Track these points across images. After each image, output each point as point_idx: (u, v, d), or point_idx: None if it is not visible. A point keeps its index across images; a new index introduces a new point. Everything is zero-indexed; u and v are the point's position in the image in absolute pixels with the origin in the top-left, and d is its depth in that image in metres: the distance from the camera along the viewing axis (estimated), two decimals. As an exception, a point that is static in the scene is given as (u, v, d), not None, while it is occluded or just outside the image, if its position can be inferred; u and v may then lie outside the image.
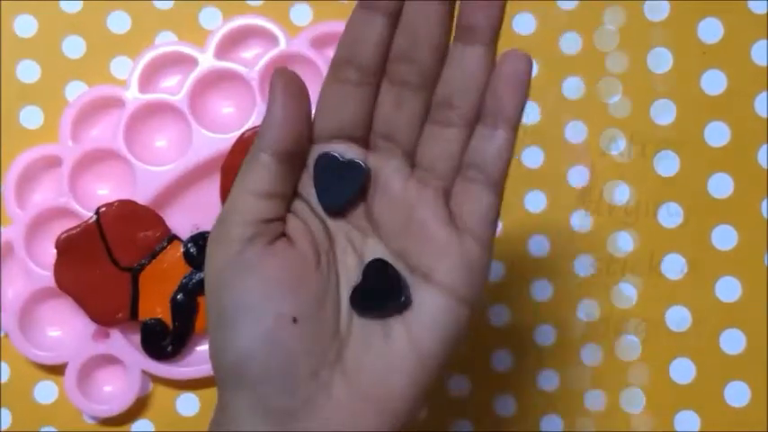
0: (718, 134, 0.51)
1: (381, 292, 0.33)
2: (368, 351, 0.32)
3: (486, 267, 0.33)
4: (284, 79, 0.32)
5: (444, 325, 0.32)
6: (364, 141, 0.34)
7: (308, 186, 0.34)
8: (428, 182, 0.33)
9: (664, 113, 0.52)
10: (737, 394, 0.51)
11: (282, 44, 0.49)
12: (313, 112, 0.34)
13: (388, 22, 0.32)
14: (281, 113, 0.32)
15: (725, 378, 0.51)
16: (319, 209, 0.34)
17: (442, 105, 0.33)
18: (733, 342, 0.51)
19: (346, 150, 0.34)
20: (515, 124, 0.32)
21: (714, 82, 0.51)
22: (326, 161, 0.34)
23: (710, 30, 0.51)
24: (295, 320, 0.32)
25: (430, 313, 0.32)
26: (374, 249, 0.34)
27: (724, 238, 0.52)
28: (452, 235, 0.33)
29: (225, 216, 0.33)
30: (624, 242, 0.52)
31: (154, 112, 0.50)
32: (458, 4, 0.32)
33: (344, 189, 0.34)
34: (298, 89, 0.32)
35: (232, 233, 0.32)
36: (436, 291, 0.32)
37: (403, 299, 0.33)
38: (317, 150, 0.34)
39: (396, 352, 0.32)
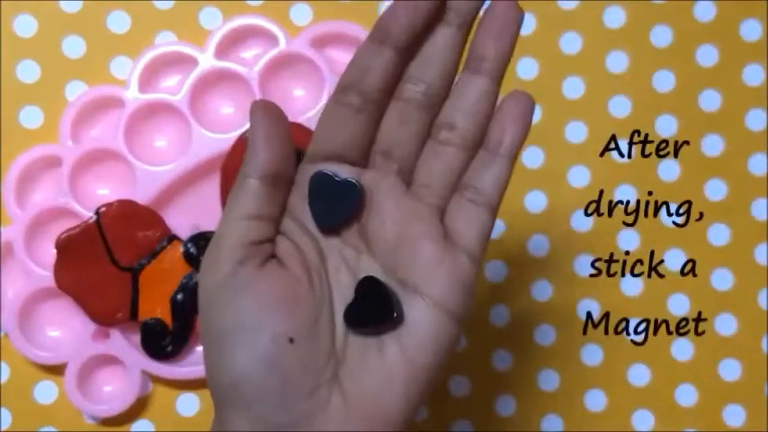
0: (713, 144, 0.52)
1: (374, 309, 0.33)
2: (364, 368, 0.33)
3: (475, 283, 0.34)
4: (263, 107, 0.34)
5: (436, 340, 0.33)
6: (359, 164, 0.34)
7: (300, 205, 0.34)
8: (423, 198, 0.34)
9: (664, 114, 0.52)
10: (731, 370, 0.52)
11: (282, 44, 0.49)
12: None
13: (397, 54, 0.33)
14: (264, 138, 0.33)
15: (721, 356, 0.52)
16: (312, 228, 0.34)
17: (443, 126, 0.34)
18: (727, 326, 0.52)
19: (340, 170, 0.34)
20: (515, 156, 0.34)
21: (711, 99, 0.52)
22: (321, 180, 0.34)
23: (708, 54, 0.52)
24: (291, 340, 0.32)
25: (422, 329, 0.33)
26: (368, 267, 0.34)
27: (719, 235, 0.52)
28: (445, 251, 0.33)
29: (216, 242, 0.33)
30: (624, 242, 0.52)
31: (154, 111, 0.50)
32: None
33: (339, 209, 0.34)
34: (277, 116, 0.34)
35: (222, 256, 0.33)
36: (428, 306, 0.33)
37: (395, 315, 0.33)
38: (311, 170, 0.34)
39: (390, 368, 0.33)
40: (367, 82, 0.33)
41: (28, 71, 0.51)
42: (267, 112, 0.34)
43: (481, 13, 0.34)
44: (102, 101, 0.50)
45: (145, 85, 0.49)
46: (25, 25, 0.51)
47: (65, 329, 0.50)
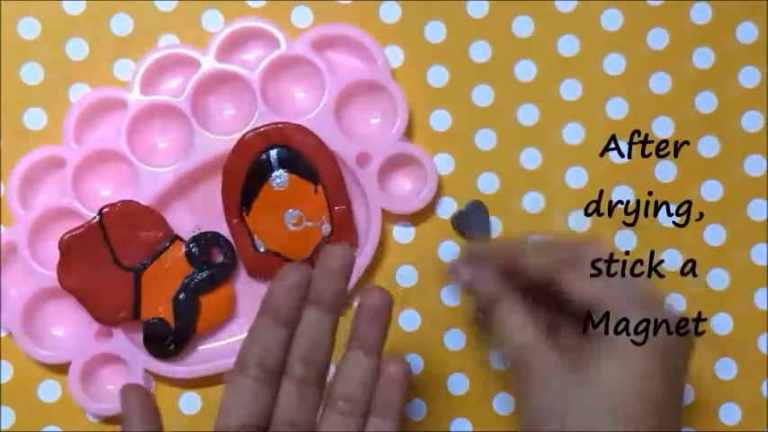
0: (710, 145, 0.53)
1: None
2: None
3: None
4: (138, 398, 0.48)
5: None
6: (266, 429, 0.39)
7: None
8: None
9: (660, 116, 0.52)
10: (728, 370, 0.53)
11: (283, 46, 0.50)
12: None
13: (290, 330, 0.39)
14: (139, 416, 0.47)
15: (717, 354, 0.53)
16: None
17: (339, 398, 0.40)
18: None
19: None
20: (398, 416, 0.40)
21: (707, 101, 0.52)
22: None
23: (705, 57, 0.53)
24: None
25: None
26: None
27: (716, 236, 0.53)
28: None
29: None
30: (623, 242, 0.52)
31: (156, 113, 0.50)
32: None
33: None
34: (150, 405, 0.48)
35: None
36: None
37: None
38: None
39: None
40: (270, 359, 0.39)
41: (31, 73, 0.51)
42: (143, 402, 0.47)
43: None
44: (105, 103, 0.50)
45: (147, 87, 0.50)
46: (28, 27, 0.51)
47: (68, 329, 0.51)
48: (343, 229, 0.50)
